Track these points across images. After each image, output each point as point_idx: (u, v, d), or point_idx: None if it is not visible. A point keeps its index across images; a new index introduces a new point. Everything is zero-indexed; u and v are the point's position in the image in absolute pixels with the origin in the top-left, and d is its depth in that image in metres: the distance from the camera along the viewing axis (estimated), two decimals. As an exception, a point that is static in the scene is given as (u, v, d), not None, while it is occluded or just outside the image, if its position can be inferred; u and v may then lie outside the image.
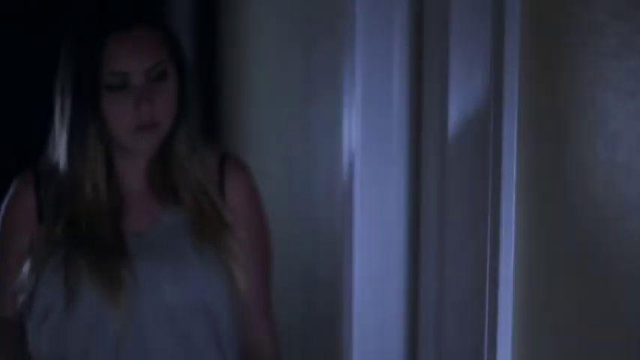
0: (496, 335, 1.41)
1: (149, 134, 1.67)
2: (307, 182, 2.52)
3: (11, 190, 1.77)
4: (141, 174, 1.73)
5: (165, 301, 1.66)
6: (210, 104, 3.35)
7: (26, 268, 1.68)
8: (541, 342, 1.31)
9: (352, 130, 2.17)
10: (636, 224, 1.07)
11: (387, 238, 2.15)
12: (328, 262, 2.32)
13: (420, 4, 2.08)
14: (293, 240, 2.57)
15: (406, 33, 2.10)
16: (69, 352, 1.66)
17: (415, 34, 2.10)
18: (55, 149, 1.71)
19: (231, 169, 1.77)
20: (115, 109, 1.64)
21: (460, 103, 1.71)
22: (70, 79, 1.66)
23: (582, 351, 1.19)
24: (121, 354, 1.65)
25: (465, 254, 1.67)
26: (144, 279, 1.65)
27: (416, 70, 2.11)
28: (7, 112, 4.15)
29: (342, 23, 2.23)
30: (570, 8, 1.23)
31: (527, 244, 1.35)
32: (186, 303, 1.67)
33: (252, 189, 1.80)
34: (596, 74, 1.17)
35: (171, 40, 1.71)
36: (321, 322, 2.45)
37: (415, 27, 2.10)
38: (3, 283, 1.74)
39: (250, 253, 1.73)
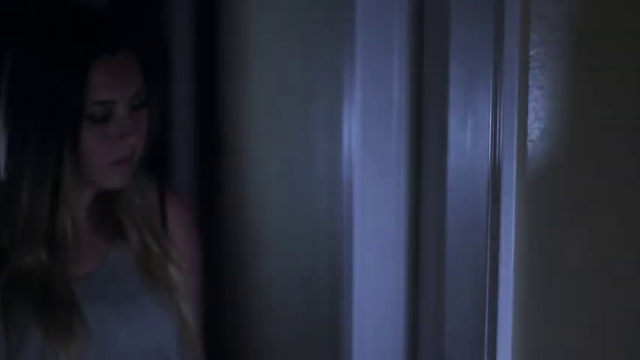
0: (496, 335, 1.41)
1: (125, 168, 1.55)
2: (307, 182, 2.52)
3: None
4: (85, 210, 1.60)
5: (117, 346, 1.55)
6: (210, 104, 3.35)
7: None
8: (541, 342, 1.31)
9: (352, 130, 2.17)
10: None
11: (387, 238, 2.15)
12: (328, 262, 2.32)
13: (420, 4, 2.08)
14: (293, 240, 2.57)
15: (406, 33, 2.10)
16: None
17: (415, 35, 2.10)
18: None
19: (174, 205, 1.69)
20: (95, 142, 1.49)
21: (460, 103, 1.71)
22: (41, 107, 1.46)
23: (582, 351, 1.19)
24: None
25: (465, 254, 1.66)
26: (95, 325, 1.53)
27: (416, 70, 2.11)
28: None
29: (342, 23, 2.23)
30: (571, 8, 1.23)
31: (528, 242, 1.35)
32: (139, 347, 1.57)
33: (193, 224, 1.73)
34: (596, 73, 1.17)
35: (149, 63, 1.56)
36: (321, 322, 2.45)
37: (415, 27, 2.10)
38: None
39: (190, 287, 1.66)
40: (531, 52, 1.30)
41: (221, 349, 2.56)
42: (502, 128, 1.36)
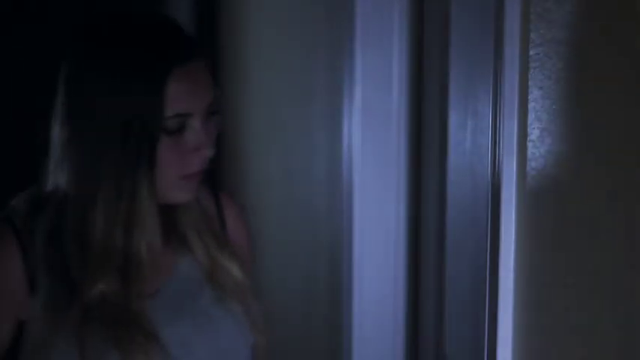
0: (496, 335, 1.41)
1: (195, 182, 1.45)
2: (307, 182, 2.52)
3: None
4: (159, 227, 1.47)
5: None
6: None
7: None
8: (541, 342, 1.31)
9: (352, 130, 2.17)
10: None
11: (387, 238, 2.15)
12: (328, 262, 2.32)
13: (420, 4, 2.08)
14: (293, 240, 2.57)
15: (406, 33, 2.10)
16: None
17: (415, 34, 2.10)
18: (57, 199, 1.42)
19: (230, 207, 1.61)
20: (168, 155, 1.39)
21: (460, 103, 1.71)
22: (115, 121, 1.36)
23: (582, 351, 1.19)
24: None
25: (465, 254, 1.66)
26: (175, 347, 1.42)
27: (416, 70, 2.11)
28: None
29: (342, 23, 2.23)
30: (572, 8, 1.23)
31: (528, 242, 1.35)
32: None
33: (248, 227, 1.66)
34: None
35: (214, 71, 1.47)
36: (321, 322, 2.45)
37: (415, 27, 2.10)
38: None
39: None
40: (531, 52, 1.30)
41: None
42: (502, 128, 1.36)
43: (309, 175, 2.56)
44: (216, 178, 2.31)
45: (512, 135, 1.36)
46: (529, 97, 1.33)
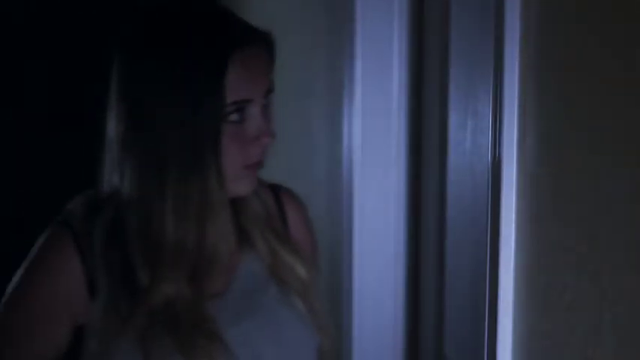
0: (496, 335, 1.41)
1: (255, 172, 1.39)
2: (307, 182, 2.52)
3: (38, 255, 1.37)
4: (231, 223, 1.42)
5: None
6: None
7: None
8: (541, 342, 1.31)
9: (352, 130, 2.17)
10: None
11: (387, 238, 2.15)
12: (328, 262, 2.32)
13: (420, 5, 2.08)
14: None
15: (406, 33, 2.11)
16: None
17: (415, 34, 2.11)
18: (120, 200, 1.36)
19: (290, 202, 1.55)
20: (232, 146, 1.33)
21: (460, 103, 1.71)
22: (177, 115, 1.30)
23: (582, 351, 1.19)
24: None
25: (465, 253, 1.67)
26: (239, 348, 1.36)
27: (416, 70, 2.11)
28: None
29: (343, 23, 2.23)
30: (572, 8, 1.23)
31: (528, 241, 1.35)
32: None
33: (310, 222, 1.61)
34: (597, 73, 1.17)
35: (273, 57, 1.41)
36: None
37: (415, 27, 2.11)
38: None
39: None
40: (531, 53, 1.30)
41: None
42: (502, 128, 1.36)
43: (309, 175, 2.56)
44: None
45: (512, 135, 1.36)
46: (529, 97, 1.33)
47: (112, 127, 1.36)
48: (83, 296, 1.35)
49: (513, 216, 1.37)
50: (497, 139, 1.39)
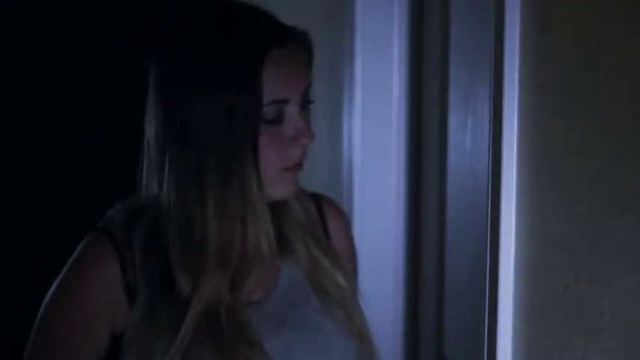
0: (496, 335, 1.41)
1: (295, 175, 1.37)
2: (307, 182, 2.52)
3: (78, 262, 1.36)
4: (273, 226, 1.38)
5: None
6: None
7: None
8: (541, 342, 1.31)
9: (352, 130, 2.17)
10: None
11: (387, 238, 2.15)
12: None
13: (420, 5, 2.08)
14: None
15: (406, 33, 2.11)
16: None
17: (415, 34, 2.11)
18: (159, 206, 1.33)
19: (331, 211, 1.52)
20: (271, 148, 1.30)
21: (460, 103, 1.71)
22: (215, 116, 1.27)
23: (582, 350, 1.19)
24: None
25: (465, 254, 1.67)
26: (280, 357, 1.34)
27: (416, 70, 2.11)
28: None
29: (343, 23, 2.23)
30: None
31: (528, 242, 1.35)
32: None
33: (351, 231, 1.58)
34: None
35: (312, 56, 1.40)
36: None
37: (415, 27, 2.11)
38: None
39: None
40: (531, 52, 1.30)
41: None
42: (502, 128, 1.36)
43: (309, 176, 2.56)
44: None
45: (512, 135, 1.36)
46: (529, 98, 1.33)
47: (151, 132, 1.34)
48: (122, 303, 1.33)
49: (513, 216, 1.37)
50: (497, 139, 1.39)
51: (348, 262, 1.51)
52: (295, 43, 1.34)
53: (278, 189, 1.34)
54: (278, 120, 1.31)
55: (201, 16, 1.33)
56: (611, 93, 1.12)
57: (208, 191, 1.29)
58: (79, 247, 1.36)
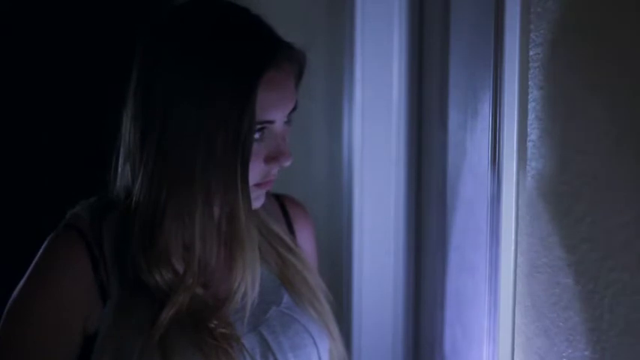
0: (496, 335, 1.41)
1: (264, 190, 1.37)
2: (307, 182, 2.52)
3: (47, 259, 1.32)
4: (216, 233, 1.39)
5: None
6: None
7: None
8: (541, 341, 1.31)
9: (352, 130, 2.17)
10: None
11: (387, 238, 2.15)
12: (327, 262, 2.32)
13: (420, 5, 2.08)
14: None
15: (406, 33, 2.11)
16: None
17: (415, 35, 2.11)
18: (127, 205, 1.33)
19: (295, 210, 1.54)
20: (251, 165, 1.30)
21: (460, 103, 1.71)
22: (209, 126, 1.25)
23: (583, 351, 1.19)
24: None
25: (466, 254, 1.67)
26: (256, 354, 1.36)
27: (416, 70, 2.11)
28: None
29: (343, 23, 2.23)
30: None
31: (528, 242, 1.35)
32: None
33: (314, 230, 1.59)
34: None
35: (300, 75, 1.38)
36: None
37: (415, 27, 2.11)
38: None
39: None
40: (531, 53, 1.30)
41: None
42: (502, 128, 1.36)
43: (309, 175, 2.56)
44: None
45: (512, 135, 1.36)
46: (529, 97, 1.33)
47: (132, 133, 1.32)
48: (95, 302, 1.31)
49: (513, 216, 1.37)
50: (497, 139, 1.39)
51: (314, 260, 1.53)
52: (290, 65, 1.33)
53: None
54: (260, 138, 1.30)
55: (198, 23, 1.30)
56: (611, 93, 1.12)
57: (197, 206, 1.29)
58: (47, 245, 1.33)
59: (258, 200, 1.36)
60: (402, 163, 2.14)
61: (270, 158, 1.33)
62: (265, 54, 1.28)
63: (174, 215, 1.30)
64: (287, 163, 1.35)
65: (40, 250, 1.34)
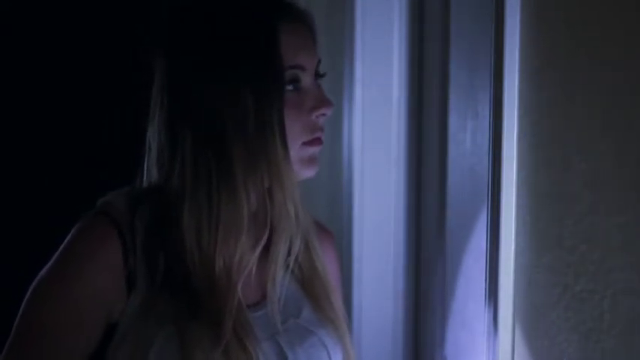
0: (496, 335, 1.41)
1: (315, 149, 1.36)
2: (307, 182, 2.52)
3: (78, 244, 1.30)
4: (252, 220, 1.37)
5: None
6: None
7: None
8: (541, 341, 1.31)
9: (352, 130, 2.17)
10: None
11: (387, 238, 2.15)
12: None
13: (420, 5, 2.08)
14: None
15: (406, 33, 2.11)
16: None
17: (415, 34, 2.11)
18: (165, 194, 1.31)
19: (322, 236, 1.50)
20: (293, 119, 1.30)
21: (460, 104, 1.71)
22: (239, 92, 1.26)
23: (583, 351, 1.19)
24: None
25: (466, 254, 1.67)
26: (276, 358, 1.34)
27: (416, 71, 2.11)
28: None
29: (342, 23, 2.23)
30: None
31: (528, 242, 1.35)
32: None
33: (339, 261, 1.58)
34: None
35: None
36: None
37: (415, 27, 2.11)
38: None
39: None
40: (531, 53, 1.30)
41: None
42: (502, 128, 1.36)
43: (309, 175, 2.56)
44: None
45: (512, 135, 1.36)
46: (529, 98, 1.33)
47: (160, 119, 1.32)
48: (121, 292, 1.29)
49: (513, 216, 1.37)
50: (497, 140, 1.39)
51: (338, 285, 1.52)
52: (303, 20, 1.35)
53: (302, 168, 1.36)
54: (295, 88, 1.31)
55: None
56: (611, 93, 1.12)
57: (236, 169, 1.28)
58: (77, 230, 1.31)
59: (310, 164, 1.37)
60: (402, 163, 2.14)
61: (312, 107, 1.32)
62: (276, 9, 1.32)
63: (227, 200, 1.29)
64: (329, 111, 1.33)
65: (71, 233, 1.32)
